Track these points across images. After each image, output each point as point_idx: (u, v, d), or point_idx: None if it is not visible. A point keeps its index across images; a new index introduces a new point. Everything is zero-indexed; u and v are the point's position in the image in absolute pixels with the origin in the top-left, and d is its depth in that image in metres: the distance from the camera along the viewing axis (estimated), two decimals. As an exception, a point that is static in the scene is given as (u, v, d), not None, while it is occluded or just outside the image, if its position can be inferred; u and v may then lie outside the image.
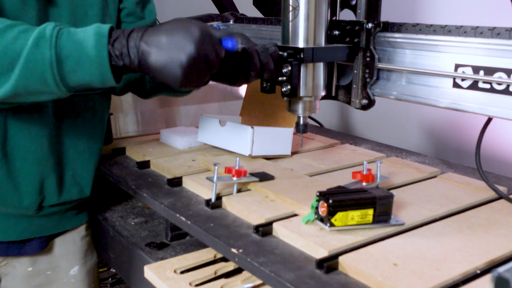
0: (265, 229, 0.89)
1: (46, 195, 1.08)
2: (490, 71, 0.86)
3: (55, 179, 1.08)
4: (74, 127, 1.09)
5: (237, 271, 0.94)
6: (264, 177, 1.08)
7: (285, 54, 0.99)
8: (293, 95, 1.01)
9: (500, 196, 1.03)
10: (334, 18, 1.08)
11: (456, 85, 0.92)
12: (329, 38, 1.06)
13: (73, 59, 0.82)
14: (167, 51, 0.83)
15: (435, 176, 1.18)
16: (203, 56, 0.84)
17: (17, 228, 1.09)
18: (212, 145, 1.32)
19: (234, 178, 1.02)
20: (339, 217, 0.84)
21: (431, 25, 0.95)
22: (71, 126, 1.08)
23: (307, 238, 0.83)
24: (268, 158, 1.25)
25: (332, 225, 0.83)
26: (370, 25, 1.00)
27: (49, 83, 0.82)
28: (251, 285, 0.90)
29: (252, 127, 1.20)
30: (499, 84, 0.86)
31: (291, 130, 1.28)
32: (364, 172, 1.03)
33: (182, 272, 0.95)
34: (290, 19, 1.02)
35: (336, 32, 1.05)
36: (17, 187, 1.04)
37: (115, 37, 0.85)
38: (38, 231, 1.13)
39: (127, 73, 0.88)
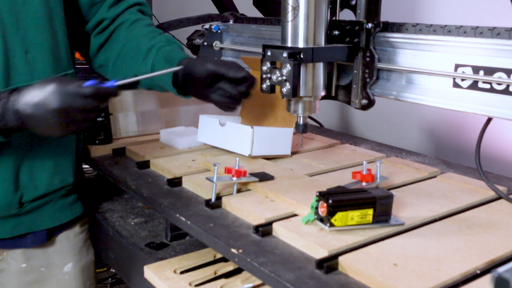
0: (265, 229, 0.89)
1: (24, 192, 1.07)
2: (490, 71, 0.86)
3: (30, 176, 1.07)
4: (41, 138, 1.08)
5: (237, 271, 0.94)
6: (264, 177, 1.08)
7: (285, 54, 0.99)
8: (293, 95, 1.02)
9: (500, 196, 1.03)
10: (334, 18, 1.08)
11: (456, 85, 0.92)
12: (329, 38, 1.06)
13: None
14: (39, 116, 0.88)
15: (435, 176, 1.18)
16: (70, 109, 0.88)
17: (5, 226, 1.09)
18: (212, 145, 1.32)
19: (234, 178, 1.02)
20: (339, 217, 0.84)
21: (431, 25, 0.96)
22: (38, 137, 1.07)
23: (307, 238, 0.83)
24: (268, 158, 1.25)
25: (332, 225, 0.83)
26: (370, 25, 1.00)
27: None
28: (251, 285, 0.90)
29: (252, 127, 1.20)
30: (499, 84, 0.86)
31: (291, 130, 1.28)
32: (364, 172, 1.03)
33: (182, 272, 0.95)
34: (290, 19, 1.02)
35: (336, 32, 1.05)
36: None
37: None
38: (30, 226, 1.12)
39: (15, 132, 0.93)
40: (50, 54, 1.06)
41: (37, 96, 0.88)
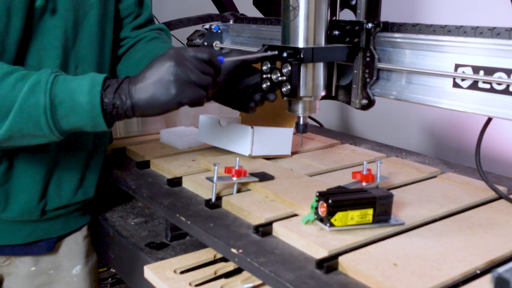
0: (265, 229, 0.89)
1: (48, 200, 1.09)
2: (490, 71, 0.86)
3: (57, 186, 1.09)
4: (75, 150, 1.10)
5: (237, 271, 0.94)
6: (264, 177, 1.08)
7: (285, 54, 0.99)
8: (293, 95, 1.02)
9: (500, 196, 1.03)
10: (334, 18, 1.08)
11: (456, 85, 0.92)
12: (329, 38, 1.06)
13: (66, 104, 0.85)
14: (153, 78, 0.88)
15: (435, 176, 1.18)
16: (185, 66, 0.88)
17: (23, 232, 1.10)
18: (212, 145, 1.32)
19: (234, 178, 1.02)
20: (339, 217, 0.84)
21: (431, 25, 0.95)
22: (71, 150, 1.09)
23: (307, 238, 0.83)
24: (268, 158, 1.25)
25: (332, 225, 0.83)
26: (370, 25, 1.00)
27: (43, 127, 0.85)
28: (251, 285, 0.90)
29: (252, 127, 1.20)
30: (499, 84, 0.86)
31: (291, 130, 1.28)
32: (364, 172, 1.03)
33: (182, 272, 0.95)
34: (290, 19, 1.02)
35: (336, 32, 1.05)
36: (19, 196, 1.05)
37: (108, 84, 0.88)
38: (44, 233, 1.14)
39: (120, 119, 0.90)
40: (96, 71, 1.08)
41: (156, 61, 0.89)
